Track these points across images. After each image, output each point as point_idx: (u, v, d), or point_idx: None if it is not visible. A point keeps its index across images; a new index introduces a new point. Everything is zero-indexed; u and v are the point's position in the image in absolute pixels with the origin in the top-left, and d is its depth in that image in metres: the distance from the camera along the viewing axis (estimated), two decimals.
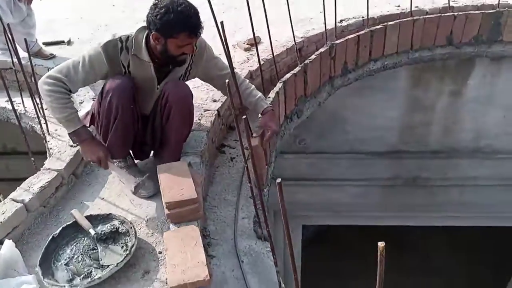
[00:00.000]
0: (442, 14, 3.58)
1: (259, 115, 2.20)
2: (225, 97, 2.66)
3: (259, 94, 2.23)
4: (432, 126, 4.53)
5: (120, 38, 1.95)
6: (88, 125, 2.18)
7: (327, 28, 3.39)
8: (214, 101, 2.68)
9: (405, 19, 3.51)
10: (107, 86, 1.96)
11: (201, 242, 1.61)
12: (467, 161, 4.69)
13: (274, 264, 1.75)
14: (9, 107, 3.16)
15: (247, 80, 2.30)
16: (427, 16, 3.60)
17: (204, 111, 2.61)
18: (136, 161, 2.28)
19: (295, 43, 3.11)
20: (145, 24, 1.93)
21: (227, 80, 1.56)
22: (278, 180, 1.28)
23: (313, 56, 3.06)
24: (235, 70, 2.04)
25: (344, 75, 3.46)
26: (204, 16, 2.02)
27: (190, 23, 1.86)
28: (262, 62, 3.14)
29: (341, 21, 3.76)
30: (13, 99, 3.21)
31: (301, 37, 3.51)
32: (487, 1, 3.95)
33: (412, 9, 3.77)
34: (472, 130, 4.52)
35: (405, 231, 5.98)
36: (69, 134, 2.02)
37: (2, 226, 1.84)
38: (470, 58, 3.82)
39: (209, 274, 1.49)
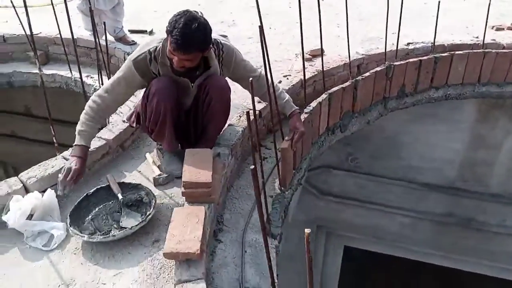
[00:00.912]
0: None
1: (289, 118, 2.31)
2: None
3: (287, 97, 2.34)
4: (495, 166, 4.26)
5: (149, 50, 2.10)
6: (134, 125, 2.43)
7: (392, 49, 3.39)
8: (260, 102, 2.82)
9: (475, 51, 3.38)
10: (152, 89, 2.13)
11: (203, 221, 1.75)
12: None
13: (268, 259, 1.83)
14: (88, 81, 3.59)
15: (276, 83, 2.39)
16: (501, 50, 3.42)
17: (248, 110, 2.76)
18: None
19: (349, 58, 3.15)
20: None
21: (250, 79, 1.69)
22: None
23: (367, 74, 3.08)
24: (262, 75, 2.17)
25: (400, 97, 3.42)
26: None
27: (182, 37, 1.90)
28: (315, 73, 3.24)
29: (408, 44, 3.71)
30: (92, 76, 3.66)
31: (362, 54, 3.53)
32: None
33: (488, 42, 3.61)
34: None
35: (455, 273, 5.61)
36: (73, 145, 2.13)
37: (49, 177, 2.14)
38: None
39: (200, 250, 1.62)
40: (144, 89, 2.25)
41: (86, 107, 2.15)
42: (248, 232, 2.14)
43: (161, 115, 2.16)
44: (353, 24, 3.08)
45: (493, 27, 4.32)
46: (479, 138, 4.12)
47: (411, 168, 4.62)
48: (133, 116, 2.44)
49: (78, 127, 2.14)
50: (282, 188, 2.41)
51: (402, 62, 3.25)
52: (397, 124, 4.24)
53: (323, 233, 5.46)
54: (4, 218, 1.96)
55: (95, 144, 2.39)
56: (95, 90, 3.52)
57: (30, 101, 5.51)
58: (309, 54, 3.73)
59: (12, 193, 2.02)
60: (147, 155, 2.53)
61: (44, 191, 2.06)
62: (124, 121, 2.61)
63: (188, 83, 2.20)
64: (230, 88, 2.23)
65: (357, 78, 3.01)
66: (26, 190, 2.08)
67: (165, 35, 2.07)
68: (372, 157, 4.67)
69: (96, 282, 1.75)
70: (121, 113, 3.01)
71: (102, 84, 3.12)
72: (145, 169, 2.44)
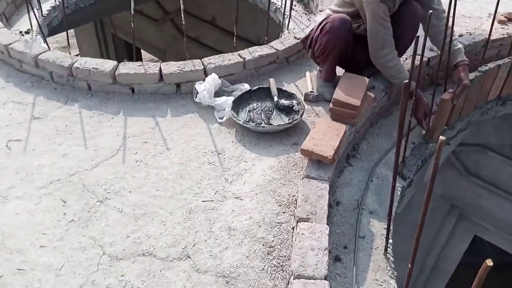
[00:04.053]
0: None
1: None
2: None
3: (460, 45, 2.21)
4: None
5: None
6: (307, 47, 2.52)
7: None
8: (431, 50, 2.71)
9: None
10: (328, 25, 2.21)
11: (341, 136, 1.89)
12: None
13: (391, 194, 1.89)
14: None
15: (454, 30, 2.24)
16: None
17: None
18: None
19: None
20: None
21: (430, 11, 1.67)
22: (442, 137, 1.12)
23: None
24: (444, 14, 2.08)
25: None
26: None
27: None
28: (505, 36, 2.94)
29: None
30: None
31: None
32: None
33: None
34: None
35: None
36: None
37: (225, 67, 2.51)
38: None
39: (332, 158, 1.78)
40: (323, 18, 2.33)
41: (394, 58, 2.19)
42: (379, 166, 2.21)
43: (327, 52, 2.29)
44: None
45: None
46: None
47: None
48: (308, 40, 2.54)
49: (401, 74, 2.20)
50: (428, 139, 2.37)
51: None
52: None
53: (455, 214, 5.15)
54: (197, 100, 2.40)
55: (266, 50, 2.66)
56: (276, 9, 3.78)
57: (217, 11, 6.11)
58: (504, 16, 3.33)
59: (194, 71, 2.44)
60: (307, 73, 2.71)
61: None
62: (295, 38, 2.80)
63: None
64: (423, 18, 2.18)
65: None
66: (205, 72, 2.48)
67: None
68: None
69: (240, 158, 2.08)
70: (294, 32, 3.22)
71: (285, 4, 3.32)
72: (301, 85, 2.64)
